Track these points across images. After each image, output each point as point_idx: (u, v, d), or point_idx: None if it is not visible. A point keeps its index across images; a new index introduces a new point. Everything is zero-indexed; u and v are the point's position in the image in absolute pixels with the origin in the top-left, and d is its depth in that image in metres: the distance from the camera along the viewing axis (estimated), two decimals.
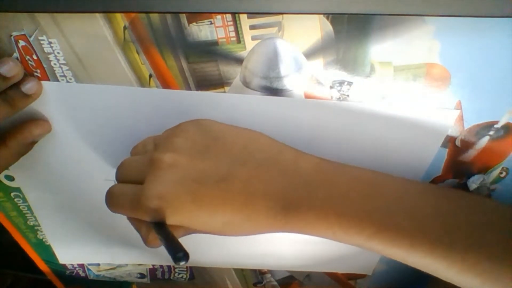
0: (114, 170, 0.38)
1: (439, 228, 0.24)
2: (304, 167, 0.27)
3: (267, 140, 0.28)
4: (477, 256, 0.23)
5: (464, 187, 0.35)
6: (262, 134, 0.29)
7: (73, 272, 0.51)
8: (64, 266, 0.49)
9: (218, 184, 0.25)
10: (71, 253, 0.48)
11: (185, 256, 0.23)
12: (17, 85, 0.30)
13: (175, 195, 0.25)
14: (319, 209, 0.25)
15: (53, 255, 0.47)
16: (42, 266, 0.49)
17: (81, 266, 0.50)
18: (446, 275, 0.24)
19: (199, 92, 0.32)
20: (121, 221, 0.43)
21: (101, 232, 0.44)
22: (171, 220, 0.25)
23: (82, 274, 0.51)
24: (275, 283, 0.50)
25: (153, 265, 0.49)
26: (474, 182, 0.35)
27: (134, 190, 0.26)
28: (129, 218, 0.28)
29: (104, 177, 0.38)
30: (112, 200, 0.27)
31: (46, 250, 0.47)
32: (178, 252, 0.23)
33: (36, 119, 0.33)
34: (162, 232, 0.24)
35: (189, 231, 0.26)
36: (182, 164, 0.25)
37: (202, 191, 0.25)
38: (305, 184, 0.26)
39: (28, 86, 0.31)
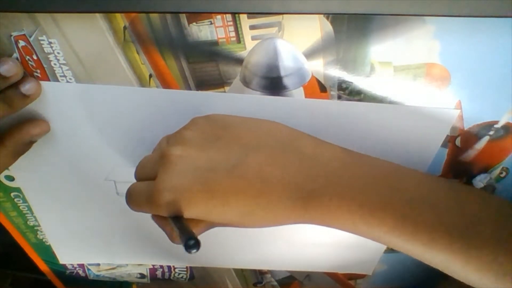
0: (114, 170, 0.38)
1: (459, 223, 0.23)
2: (324, 154, 0.26)
3: (283, 127, 0.28)
4: (494, 253, 0.23)
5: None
6: (277, 122, 0.28)
7: (73, 272, 0.51)
8: (64, 266, 0.49)
9: (230, 172, 0.24)
10: (71, 253, 0.48)
11: (197, 243, 0.22)
12: (16, 85, 0.30)
13: (186, 187, 0.24)
14: (341, 198, 0.24)
15: (53, 255, 0.47)
16: (42, 266, 0.49)
17: (81, 266, 0.50)
18: (461, 273, 0.24)
19: (199, 92, 0.32)
20: (121, 221, 0.43)
21: (101, 232, 0.44)
22: (187, 212, 0.24)
23: (82, 274, 0.51)
24: (275, 283, 0.50)
25: (153, 265, 0.49)
26: (481, 181, 0.35)
27: (149, 186, 0.25)
28: (153, 217, 0.27)
29: (104, 177, 0.38)
30: (131, 198, 0.27)
31: (46, 250, 0.47)
32: (190, 240, 0.22)
33: (34, 119, 0.33)
34: (178, 224, 0.24)
35: (210, 225, 0.26)
36: (191, 154, 0.25)
37: (214, 180, 0.24)
38: (326, 172, 0.25)
39: (27, 87, 0.31)
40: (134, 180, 0.28)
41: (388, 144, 0.33)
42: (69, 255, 0.48)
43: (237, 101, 0.32)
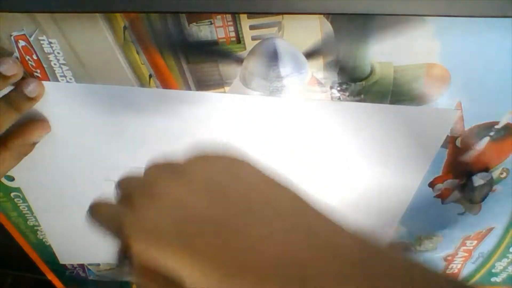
0: (114, 171, 0.38)
1: None
2: (340, 242, 0.17)
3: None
4: None
5: (469, 183, 0.35)
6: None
7: (73, 272, 0.51)
8: (64, 266, 0.49)
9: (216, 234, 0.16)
10: (71, 253, 0.48)
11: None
12: (19, 89, 0.31)
13: (163, 237, 0.18)
14: None
15: (53, 255, 0.47)
16: (42, 266, 0.49)
17: (81, 266, 0.50)
18: None
19: (199, 92, 0.32)
20: None
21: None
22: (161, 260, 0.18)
23: (82, 274, 0.51)
24: None
25: None
26: (482, 179, 0.35)
27: (124, 216, 0.20)
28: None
29: (104, 177, 0.38)
30: (96, 213, 0.23)
31: (46, 250, 0.47)
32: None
33: (36, 120, 0.33)
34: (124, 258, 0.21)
35: None
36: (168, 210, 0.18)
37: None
38: (339, 262, 0.16)
39: (31, 88, 0.31)
40: None
41: (388, 144, 0.33)
42: (69, 255, 0.48)
43: (237, 101, 0.32)
